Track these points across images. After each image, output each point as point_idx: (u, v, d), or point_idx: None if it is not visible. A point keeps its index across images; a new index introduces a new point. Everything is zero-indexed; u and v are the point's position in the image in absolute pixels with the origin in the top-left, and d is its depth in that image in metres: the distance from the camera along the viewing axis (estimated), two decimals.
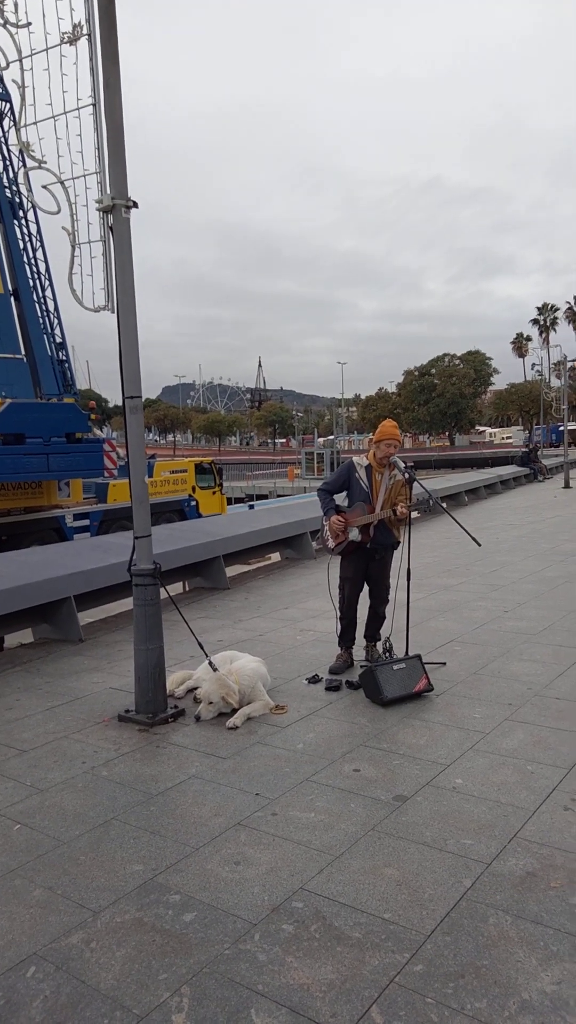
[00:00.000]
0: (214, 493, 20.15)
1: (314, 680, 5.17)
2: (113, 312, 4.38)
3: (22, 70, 4.47)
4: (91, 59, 4.24)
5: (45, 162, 4.48)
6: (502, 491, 22.26)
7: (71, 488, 16.23)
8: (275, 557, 11.01)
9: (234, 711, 4.49)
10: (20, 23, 4.46)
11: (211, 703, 4.51)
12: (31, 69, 4.45)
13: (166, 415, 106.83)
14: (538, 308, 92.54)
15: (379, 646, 5.51)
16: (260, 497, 37.85)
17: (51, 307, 15.73)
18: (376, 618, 5.60)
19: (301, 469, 51.70)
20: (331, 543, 5.39)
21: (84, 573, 6.82)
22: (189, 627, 5.20)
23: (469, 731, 4.19)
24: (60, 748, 4.19)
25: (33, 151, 4.49)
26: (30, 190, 4.66)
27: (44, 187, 4.52)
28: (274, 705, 4.65)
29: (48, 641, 6.67)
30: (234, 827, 3.21)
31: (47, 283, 15.58)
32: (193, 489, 19.39)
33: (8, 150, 14.55)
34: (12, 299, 14.67)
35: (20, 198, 14.77)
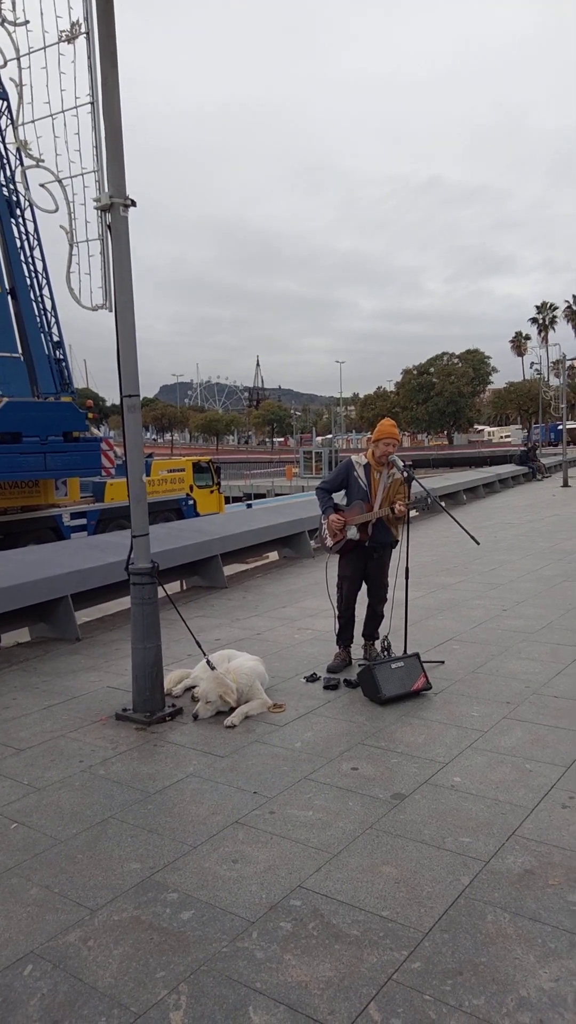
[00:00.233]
0: (212, 492, 20.15)
1: (312, 679, 5.17)
2: (111, 311, 4.38)
3: (20, 68, 4.46)
4: (89, 58, 4.24)
5: (43, 160, 4.47)
6: (500, 490, 22.27)
7: (68, 487, 16.21)
8: (273, 556, 11.01)
9: (232, 710, 4.49)
10: (18, 21, 4.45)
11: (209, 702, 4.51)
12: (29, 67, 4.44)
13: (164, 414, 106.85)
14: (537, 307, 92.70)
15: (377, 645, 5.51)
16: (258, 496, 37.86)
17: (48, 305, 15.72)
18: (374, 617, 5.60)
19: (299, 468, 51.73)
20: (329, 542, 5.39)
21: (81, 572, 6.82)
22: (187, 626, 5.20)
23: (467, 729, 4.19)
24: (57, 747, 4.18)
25: (31, 149, 4.48)
26: (27, 188, 4.66)
27: (42, 185, 4.52)
28: (272, 704, 4.65)
29: (45, 640, 6.67)
30: (232, 825, 3.21)
31: (44, 281, 15.56)
32: (191, 488, 19.39)
33: (5, 148, 14.52)
34: (9, 297, 14.65)
35: (18, 196, 14.76)
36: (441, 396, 72.17)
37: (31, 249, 15.24)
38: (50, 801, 3.52)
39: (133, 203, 4.31)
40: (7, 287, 14.55)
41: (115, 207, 4.26)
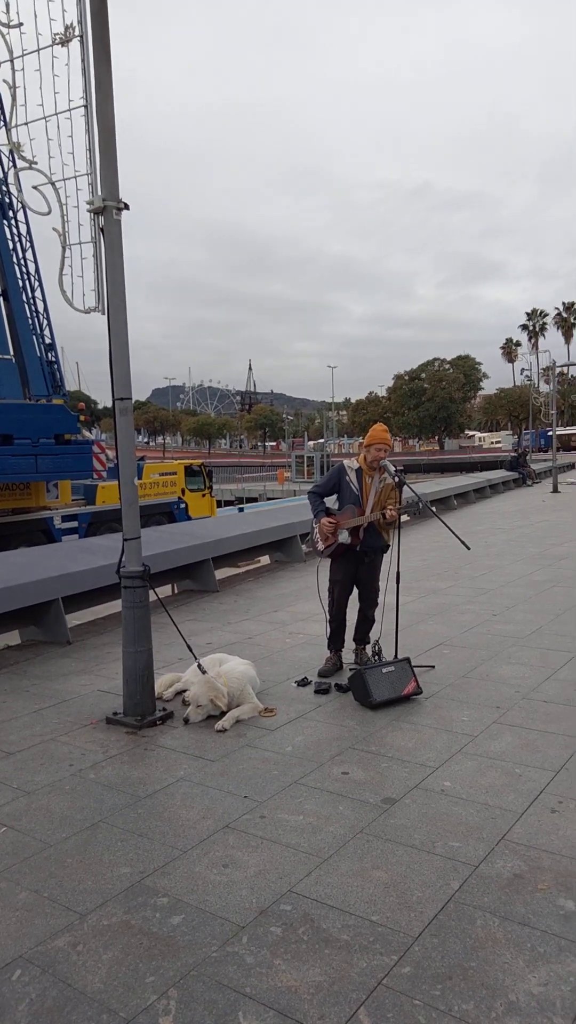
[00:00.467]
0: (204, 496, 20.15)
1: (303, 683, 5.17)
2: (103, 313, 4.38)
3: (13, 70, 4.45)
4: (83, 61, 4.24)
5: (36, 163, 4.47)
6: (491, 495, 22.35)
7: (60, 490, 16.18)
8: (265, 560, 11.01)
9: (223, 714, 4.48)
10: (12, 23, 4.45)
11: (200, 706, 4.50)
12: (22, 69, 4.43)
13: (156, 417, 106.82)
14: (527, 314, 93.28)
15: (368, 649, 5.51)
16: (250, 500, 37.86)
17: (40, 308, 15.72)
18: (365, 621, 5.61)
19: (291, 472, 51.76)
20: (321, 546, 5.40)
21: (72, 575, 6.79)
22: (178, 629, 5.19)
23: (457, 734, 4.20)
24: (47, 751, 4.16)
25: (24, 151, 4.47)
26: (20, 190, 4.65)
27: (35, 188, 4.51)
28: (263, 708, 4.65)
29: (35, 643, 6.64)
30: (222, 830, 3.20)
31: (37, 284, 15.56)
32: (183, 492, 19.37)
33: None
34: (1, 299, 14.64)
35: (10, 198, 14.75)
36: (432, 402, 72.49)
37: (24, 251, 15.24)
38: (40, 805, 3.50)
39: (126, 206, 4.31)
40: None
41: (108, 210, 4.26)
